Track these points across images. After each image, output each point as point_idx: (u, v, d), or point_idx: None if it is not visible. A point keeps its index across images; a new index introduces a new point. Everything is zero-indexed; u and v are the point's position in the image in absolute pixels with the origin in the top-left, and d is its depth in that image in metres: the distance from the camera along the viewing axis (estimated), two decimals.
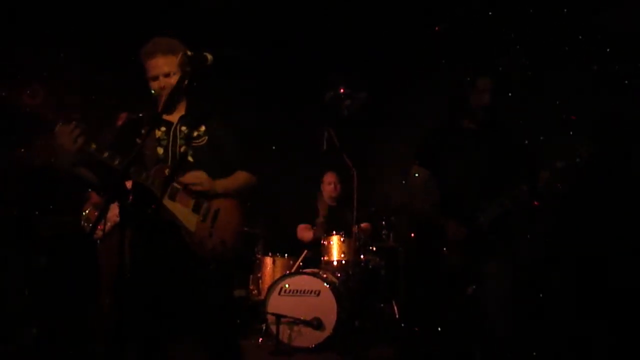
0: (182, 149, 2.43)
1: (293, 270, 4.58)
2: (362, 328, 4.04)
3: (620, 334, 3.07)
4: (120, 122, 3.07)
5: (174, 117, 2.48)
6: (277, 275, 4.50)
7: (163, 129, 2.46)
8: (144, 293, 2.32)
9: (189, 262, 2.36)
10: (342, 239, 4.60)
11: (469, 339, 2.86)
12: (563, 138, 2.69)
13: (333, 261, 4.59)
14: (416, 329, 4.04)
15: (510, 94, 3.68)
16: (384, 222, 4.99)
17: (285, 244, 4.97)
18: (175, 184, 2.37)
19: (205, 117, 2.53)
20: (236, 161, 2.57)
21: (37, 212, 4.06)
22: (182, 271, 2.36)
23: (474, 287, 2.80)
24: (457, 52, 4.63)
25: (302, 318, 4.04)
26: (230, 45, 4.96)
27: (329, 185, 5.10)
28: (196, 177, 2.39)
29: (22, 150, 4.24)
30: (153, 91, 2.42)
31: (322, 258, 4.63)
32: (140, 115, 2.51)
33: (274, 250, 4.83)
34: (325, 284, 4.12)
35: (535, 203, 2.87)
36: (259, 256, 4.88)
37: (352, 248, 4.46)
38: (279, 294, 4.19)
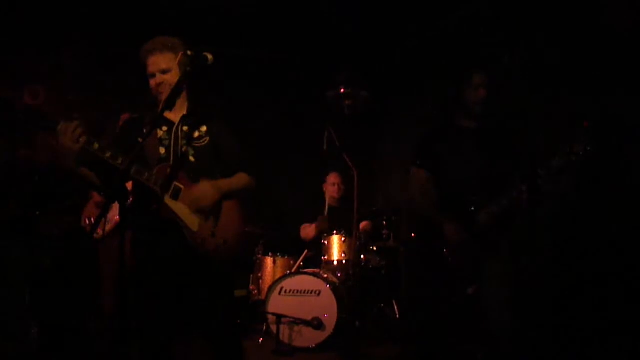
0: (184, 149, 2.43)
1: (293, 270, 4.58)
2: (362, 328, 4.03)
3: (620, 334, 3.08)
4: (121, 122, 3.07)
5: (175, 117, 2.48)
6: (278, 275, 4.49)
7: (165, 128, 2.45)
8: (147, 292, 2.33)
9: (191, 262, 2.37)
10: (342, 239, 4.60)
11: (470, 340, 2.86)
12: (561, 137, 2.69)
13: (333, 261, 4.59)
14: (416, 329, 4.04)
15: (509, 93, 3.68)
16: (384, 222, 5.00)
17: (286, 244, 4.97)
18: (177, 184, 2.37)
19: (207, 117, 2.53)
20: (236, 163, 2.57)
21: (38, 212, 4.06)
22: (184, 271, 2.37)
23: (475, 287, 2.80)
24: (458, 53, 4.64)
25: (302, 318, 4.03)
26: (231, 45, 4.98)
27: (333, 185, 5.10)
28: (201, 192, 2.38)
29: (24, 149, 4.25)
30: (151, 88, 2.42)
31: (323, 258, 4.64)
32: (142, 115, 2.52)
33: (275, 250, 4.84)
34: (325, 284, 4.12)
35: (535, 202, 2.87)
36: (260, 256, 4.88)
37: (352, 248, 4.46)
38: (280, 294, 4.19)
